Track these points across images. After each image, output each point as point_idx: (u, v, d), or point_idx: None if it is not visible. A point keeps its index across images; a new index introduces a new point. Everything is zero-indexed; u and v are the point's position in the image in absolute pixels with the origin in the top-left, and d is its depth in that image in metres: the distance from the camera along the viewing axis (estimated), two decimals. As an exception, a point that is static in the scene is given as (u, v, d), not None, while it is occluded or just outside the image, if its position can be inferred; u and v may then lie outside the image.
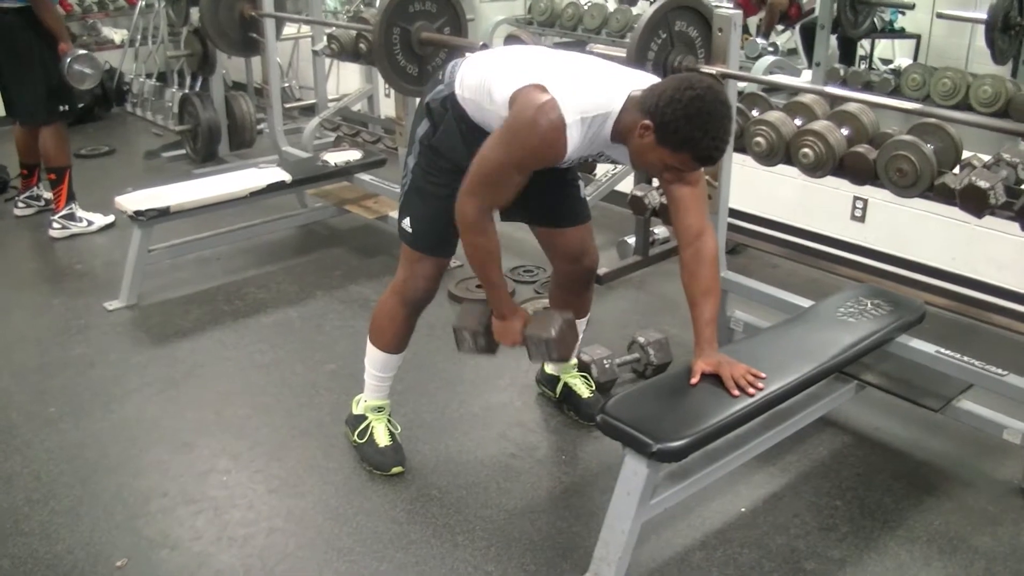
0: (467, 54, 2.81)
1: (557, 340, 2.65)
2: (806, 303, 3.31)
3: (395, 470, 3.04)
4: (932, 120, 3.01)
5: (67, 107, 5.19)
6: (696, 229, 2.60)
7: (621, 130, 2.44)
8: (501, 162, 2.48)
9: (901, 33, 6.73)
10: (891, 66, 5.82)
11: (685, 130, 2.27)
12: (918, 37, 6.61)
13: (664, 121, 2.28)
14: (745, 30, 5.86)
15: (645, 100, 2.35)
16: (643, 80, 2.49)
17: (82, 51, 5.16)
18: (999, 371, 2.92)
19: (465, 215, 2.56)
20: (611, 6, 6.21)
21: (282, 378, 3.67)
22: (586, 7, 6.15)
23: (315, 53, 6.25)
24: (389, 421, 3.13)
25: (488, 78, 2.59)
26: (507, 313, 2.72)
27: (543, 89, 2.41)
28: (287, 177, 4.73)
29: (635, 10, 6.04)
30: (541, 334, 2.66)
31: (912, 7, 5.93)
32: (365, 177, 5.03)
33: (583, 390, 3.34)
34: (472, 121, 2.67)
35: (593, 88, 2.47)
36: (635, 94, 2.41)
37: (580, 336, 3.30)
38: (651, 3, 3.50)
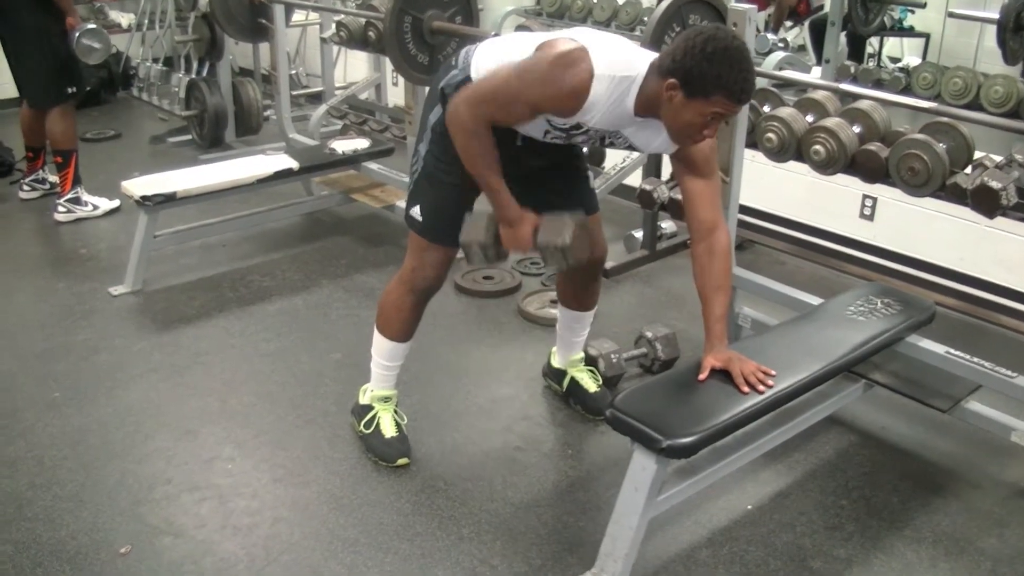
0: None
1: (573, 245, 2.57)
2: (815, 300, 3.30)
3: (401, 461, 3.03)
4: (945, 119, 3.00)
5: (75, 89, 5.18)
6: (709, 223, 2.59)
7: (645, 99, 2.40)
8: (515, 91, 2.43)
9: (910, 31, 6.71)
10: (899, 64, 5.80)
11: (711, 72, 2.24)
12: (927, 36, 6.58)
13: (687, 71, 2.26)
14: (755, 25, 5.84)
15: (662, 64, 2.33)
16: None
17: (90, 25, 5.14)
18: (1008, 373, 2.90)
19: (460, 118, 2.50)
20: (621, -1, 6.19)
21: (287, 367, 3.66)
22: (595, 0, 6.12)
23: (323, 40, 6.24)
24: (395, 411, 3.12)
25: (506, 59, 2.55)
26: (514, 218, 2.62)
27: (573, 41, 2.39)
28: (294, 164, 4.71)
29: (646, 2, 6.01)
30: (555, 240, 2.57)
31: (923, 6, 5.90)
32: (372, 166, 5.01)
33: (590, 384, 3.33)
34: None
35: (621, 50, 2.44)
36: (654, 62, 2.39)
37: (587, 330, 3.30)
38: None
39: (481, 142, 2.52)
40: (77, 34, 4.96)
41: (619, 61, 2.38)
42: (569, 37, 2.42)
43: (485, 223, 2.68)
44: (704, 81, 2.25)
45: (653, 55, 2.44)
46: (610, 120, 2.47)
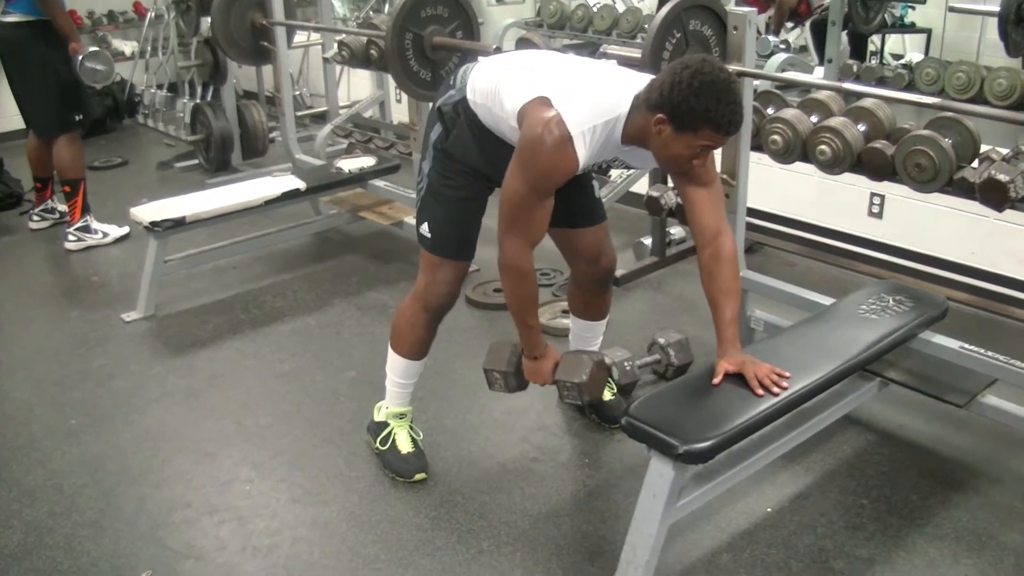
0: (479, 58, 2.81)
1: (589, 383, 2.71)
2: (826, 301, 3.29)
3: (418, 477, 3.03)
4: (949, 114, 3.00)
5: (82, 116, 5.21)
6: (713, 229, 2.59)
7: (632, 132, 2.44)
8: (522, 192, 2.49)
9: (912, 28, 6.72)
10: (902, 61, 5.80)
11: (698, 107, 2.25)
12: (929, 31, 6.59)
13: (675, 107, 2.28)
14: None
15: (648, 97, 2.35)
16: (645, 82, 2.47)
17: (93, 48, 5.17)
18: (1023, 365, 2.89)
19: (507, 257, 2.59)
20: (621, 7, 6.20)
21: (302, 386, 3.67)
22: (596, 9, 6.14)
23: (326, 60, 6.26)
24: (411, 427, 3.12)
25: (499, 85, 2.59)
26: (539, 354, 2.78)
27: (548, 104, 2.42)
28: (301, 185, 4.73)
29: (645, 9, 6.02)
30: (573, 379, 2.72)
31: (924, 1, 5.91)
32: (379, 183, 5.03)
33: (604, 393, 3.32)
34: (484, 125, 2.67)
35: (598, 95, 2.46)
36: (640, 94, 2.40)
37: (600, 339, 3.30)
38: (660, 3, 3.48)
39: (528, 282, 2.64)
40: (80, 58, 4.98)
41: (595, 111, 2.42)
42: (542, 99, 2.44)
43: (508, 354, 2.84)
44: (692, 116, 2.28)
45: (637, 83, 2.46)
46: (601, 154, 2.52)
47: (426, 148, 2.82)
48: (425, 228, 2.84)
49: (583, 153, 2.41)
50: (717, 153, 2.69)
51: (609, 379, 3.38)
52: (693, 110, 2.26)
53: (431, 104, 2.86)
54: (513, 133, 2.55)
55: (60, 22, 4.94)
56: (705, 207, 2.60)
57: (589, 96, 2.45)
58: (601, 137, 2.44)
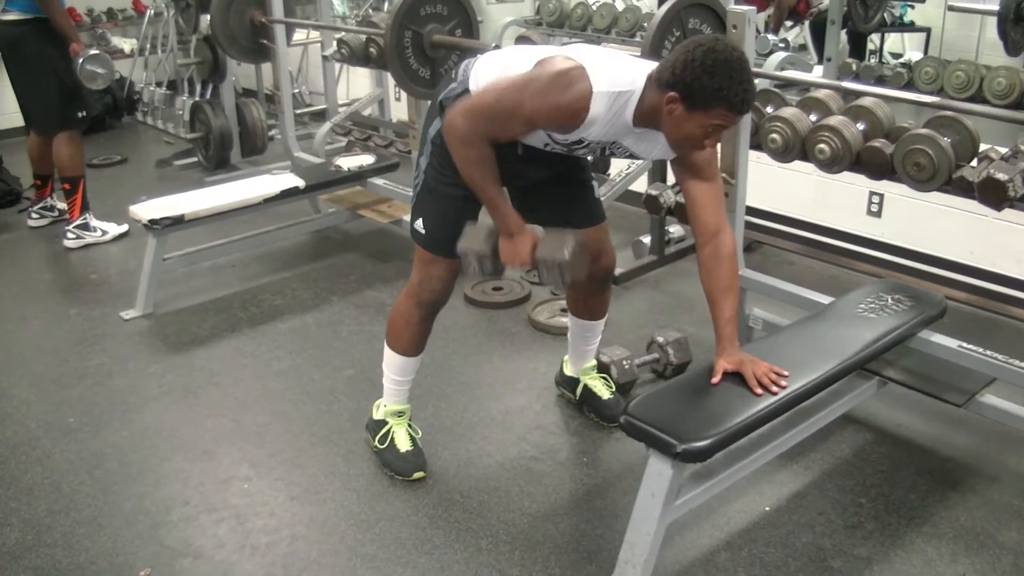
0: (480, 54, 2.80)
1: (571, 262, 2.51)
2: (825, 300, 3.29)
3: (416, 475, 3.03)
4: (948, 113, 3.00)
5: (84, 113, 5.21)
6: (713, 227, 2.59)
7: (644, 111, 2.40)
8: (513, 105, 2.43)
9: (911, 27, 6.72)
10: (901, 60, 5.80)
11: (711, 84, 2.24)
12: (928, 30, 6.59)
13: (687, 84, 2.26)
14: (755, 26, 5.85)
15: (661, 76, 2.33)
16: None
17: (93, 51, 5.16)
18: (1022, 364, 2.89)
19: (456, 129, 2.49)
20: (620, 5, 6.20)
21: (300, 384, 3.67)
22: (595, 7, 6.14)
23: (325, 58, 6.27)
24: (410, 426, 3.12)
25: (503, 74, 2.56)
26: (514, 230, 2.59)
27: (571, 59, 2.39)
28: (300, 183, 4.72)
29: (645, 8, 6.02)
30: (554, 256, 2.51)
31: (923, 0, 5.91)
32: (378, 181, 5.02)
33: (603, 391, 3.32)
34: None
35: (619, 66, 2.44)
36: (652, 74, 2.39)
37: (599, 338, 3.30)
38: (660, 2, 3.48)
39: (479, 153, 2.51)
40: (81, 60, 4.98)
41: (617, 77, 2.39)
42: (566, 55, 2.42)
43: (485, 234, 2.64)
44: (705, 94, 2.26)
45: (651, 66, 2.44)
46: (609, 133, 2.48)
47: (424, 143, 2.80)
48: (420, 224, 2.83)
49: (596, 114, 2.37)
50: (718, 151, 2.69)
51: (607, 377, 3.38)
52: (706, 88, 2.24)
53: (432, 99, 2.85)
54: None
55: (59, 22, 4.94)
56: (706, 203, 2.59)
57: (610, 64, 2.42)
58: (615, 108, 2.39)
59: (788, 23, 6.78)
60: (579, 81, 2.34)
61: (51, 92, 5.04)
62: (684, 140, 2.39)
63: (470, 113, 2.48)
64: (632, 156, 2.66)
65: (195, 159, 6.76)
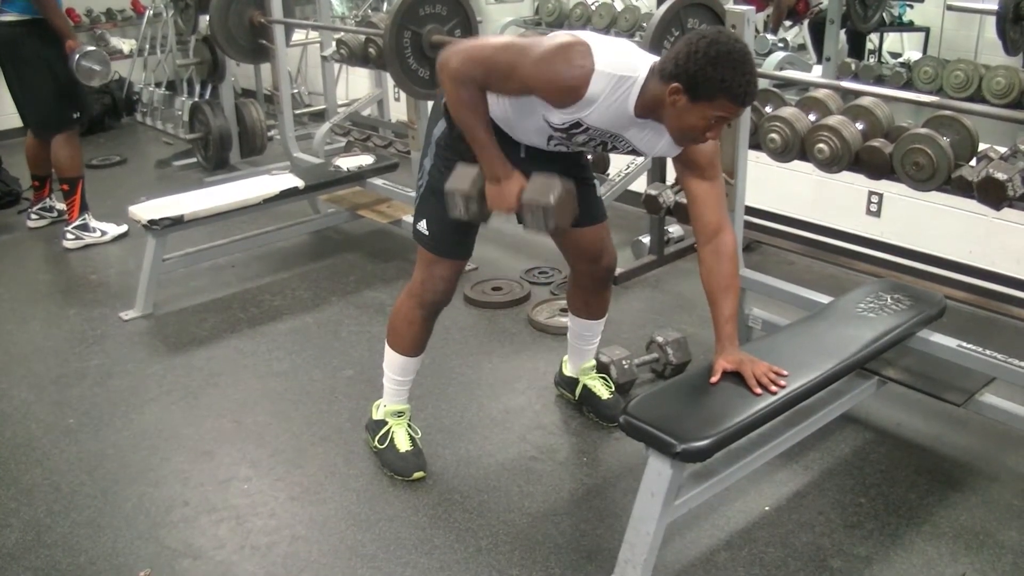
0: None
1: (557, 207, 2.48)
2: (824, 299, 3.29)
3: (416, 475, 3.03)
4: (947, 112, 3.00)
5: (79, 113, 5.20)
6: (714, 225, 2.59)
7: (646, 101, 2.39)
8: (512, 63, 2.40)
9: (910, 26, 6.71)
10: (900, 59, 5.80)
11: (714, 75, 2.23)
12: (927, 30, 6.59)
13: (691, 75, 2.25)
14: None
15: (664, 68, 2.33)
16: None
17: (90, 47, 5.14)
18: (1021, 364, 2.89)
19: (450, 66, 2.46)
20: (619, 5, 6.20)
21: (300, 385, 3.67)
22: (594, 7, 6.14)
23: (324, 59, 6.27)
24: (409, 426, 3.12)
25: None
26: (501, 175, 2.55)
27: (578, 38, 2.38)
28: (300, 183, 4.72)
29: (644, 8, 6.02)
30: (539, 199, 2.49)
31: (922, 0, 5.91)
32: (378, 181, 5.03)
33: (602, 391, 3.33)
34: (491, 119, 2.65)
35: (623, 52, 2.43)
36: (655, 65, 2.39)
37: (599, 338, 3.30)
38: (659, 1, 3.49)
39: (471, 95, 2.48)
40: (77, 56, 4.95)
41: (620, 61, 2.38)
42: (573, 34, 2.42)
43: (474, 175, 2.59)
44: (708, 85, 2.25)
45: (654, 58, 2.44)
46: (610, 120, 2.46)
47: (428, 144, 2.80)
48: (423, 225, 2.83)
49: (595, 94, 2.36)
50: (719, 150, 2.68)
51: (607, 377, 3.38)
52: (709, 79, 2.24)
53: (435, 99, 2.84)
54: (521, 119, 2.55)
55: (55, 21, 4.93)
56: (708, 202, 2.59)
57: (613, 50, 2.41)
58: (617, 93, 2.38)
59: (787, 23, 6.77)
60: (582, 56, 2.33)
61: (47, 93, 5.04)
62: (686, 131, 2.38)
63: (467, 57, 2.45)
64: (634, 152, 2.65)
65: (194, 159, 6.76)
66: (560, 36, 2.40)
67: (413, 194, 2.95)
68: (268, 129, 6.67)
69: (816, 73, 5.42)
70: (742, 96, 2.28)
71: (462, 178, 2.61)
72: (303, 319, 4.26)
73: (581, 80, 2.34)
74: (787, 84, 4.28)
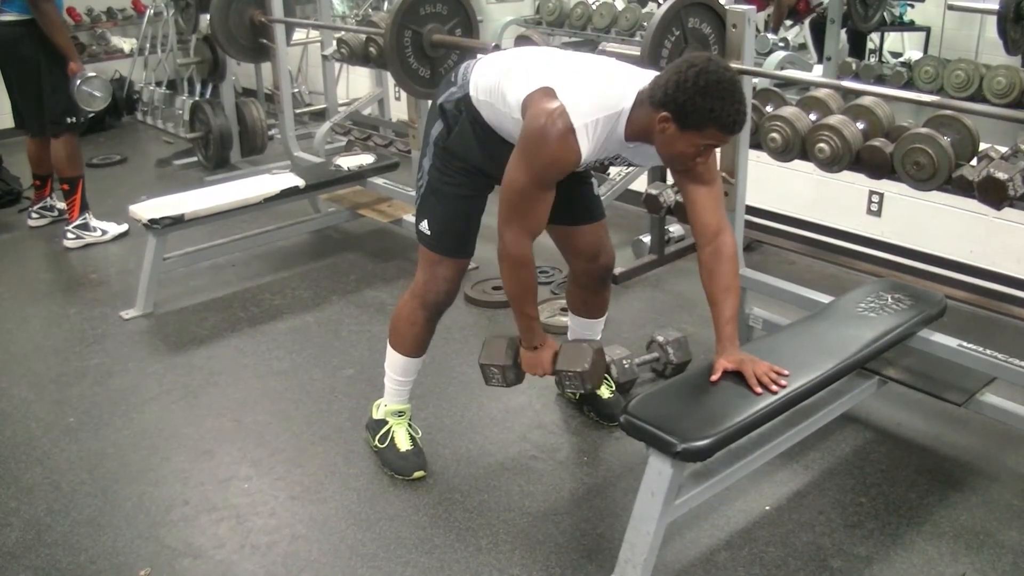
0: (479, 56, 2.81)
1: (591, 371, 2.69)
2: (825, 299, 3.29)
3: (417, 474, 3.03)
4: (948, 112, 2.99)
5: (74, 119, 5.19)
6: (714, 227, 2.59)
7: (635, 128, 2.44)
8: (524, 183, 2.48)
9: (911, 26, 6.71)
10: (901, 59, 5.80)
11: (704, 106, 2.25)
12: (928, 29, 6.59)
13: (680, 105, 2.27)
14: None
15: (653, 94, 2.35)
16: (649, 78, 2.47)
17: (91, 73, 5.13)
18: (1022, 364, 2.89)
19: (505, 246, 2.58)
20: (620, 5, 6.20)
21: (300, 384, 3.67)
22: (595, 6, 6.13)
23: (325, 58, 6.26)
24: (410, 425, 3.12)
25: (502, 80, 2.59)
26: (538, 344, 2.76)
27: (552, 95, 2.42)
28: (300, 182, 4.72)
29: (644, 8, 6.02)
30: (575, 368, 2.70)
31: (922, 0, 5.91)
32: (378, 181, 5.03)
33: (603, 391, 3.32)
34: (486, 123, 2.67)
35: (602, 89, 2.46)
36: (644, 91, 2.40)
37: (598, 337, 3.30)
38: (659, 3, 3.48)
39: (528, 271, 2.64)
40: (78, 82, 4.96)
41: (599, 103, 2.42)
42: (546, 90, 2.44)
43: (505, 347, 2.80)
44: (697, 115, 2.27)
45: (640, 77, 2.46)
46: (603, 150, 2.52)
47: (427, 145, 2.81)
48: (425, 225, 2.83)
49: (586, 146, 2.41)
50: (716, 151, 2.69)
51: (607, 376, 3.38)
52: (698, 109, 2.26)
53: (432, 101, 2.85)
54: (516, 127, 2.55)
55: (59, 41, 4.92)
56: (706, 205, 2.60)
57: (593, 89, 2.45)
58: (604, 131, 2.43)
59: (788, 22, 6.78)
60: (559, 127, 2.38)
61: (45, 95, 5.03)
62: (676, 157, 2.43)
63: (507, 221, 2.56)
64: (629, 164, 2.68)
65: (195, 159, 6.76)
66: (536, 108, 2.44)
67: (413, 193, 2.95)
68: (269, 128, 6.66)
69: (817, 72, 5.42)
70: (731, 125, 2.31)
71: (495, 352, 2.83)
72: (303, 318, 4.26)
73: (571, 149, 2.41)
74: (788, 84, 4.29)
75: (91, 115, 5.52)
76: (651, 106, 2.35)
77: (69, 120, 5.15)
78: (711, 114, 2.26)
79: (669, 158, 2.45)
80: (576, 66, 2.59)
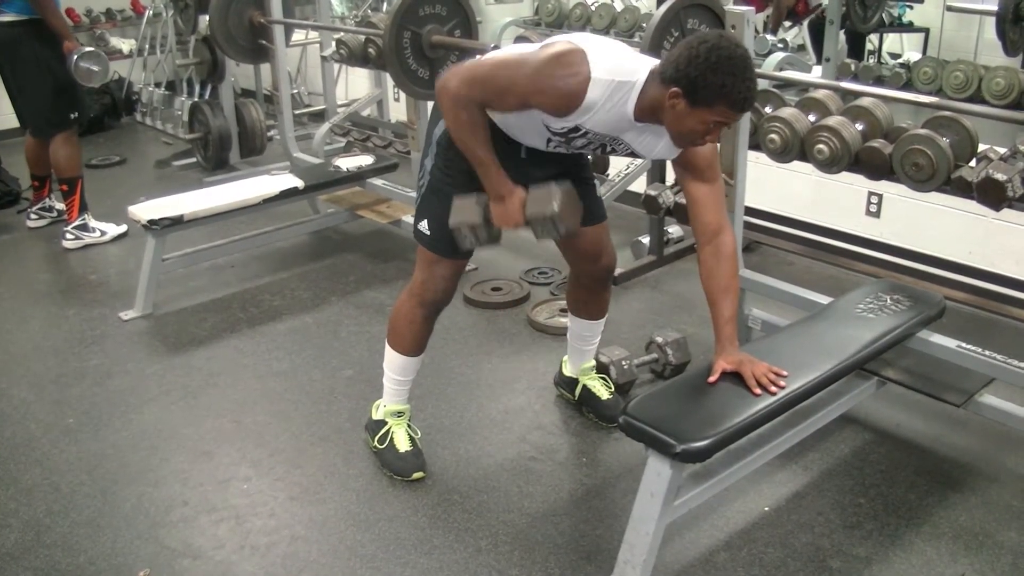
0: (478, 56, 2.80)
1: (562, 212, 2.54)
2: (824, 300, 3.29)
3: (416, 475, 3.03)
4: (947, 113, 3.00)
5: (77, 114, 5.19)
6: (714, 227, 2.59)
7: (646, 105, 2.39)
8: (509, 80, 2.43)
9: (909, 27, 6.71)
10: (900, 60, 5.80)
11: (714, 81, 2.23)
12: (927, 31, 6.59)
13: (690, 80, 2.25)
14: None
15: (664, 71, 2.32)
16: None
17: (87, 48, 5.12)
18: (1021, 365, 2.89)
19: (449, 88, 2.49)
20: (619, 6, 6.20)
21: (300, 385, 3.67)
22: (594, 7, 6.14)
23: (324, 59, 6.27)
24: (409, 426, 3.12)
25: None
26: (504, 192, 2.58)
27: (573, 44, 2.38)
28: (299, 183, 4.72)
29: (644, 8, 6.02)
30: (543, 210, 2.55)
31: (921, 1, 5.91)
32: (377, 182, 5.03)
33: (602, 392, 3.33)
34: (491, 119, 2.65)
35: (621, 56, 2.44)
36: (655, 68, 2.39)
37: (598, 338, 3.30)
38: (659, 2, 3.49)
39: (470, 116, 2.51)
40: (75, 57, 4.94)
41: (618, 67, 2.38)
42: (569, 39, 2.42)
43: (473, 204, 2.64)
44: (708, 91, 2.25)
45: (654, 61, 2.44)
46: (609, 124, 2.46)
47: (429, 144, 2.80)
48: (424, 225, 2.83)
49: (593, 101, 2.36)
50: (718, 152, 2.69)
51: (606, 377, 3.38)
52: (709, 85, 2.24)
53: (435, 101, 2.84)
54: (521, 122, 2.55)
55: (53, 21, 4.92)
56: (708, 203, 2.59)
57: (613, 55, 2.41)
58: (615, 98, 2.38)
59: (787, 23, 6.77)
60: (578, 65, 2.34)
61: (45, 94, 5.04)
62: (685, 135, 2.39)
63: (466, 78, 2.48)
64: (633, 154, 2.65)
65: (194, 159, 6.75)
66: (556, 44, 2.40)
67: (413, 194, 2.94)
68: (268, 129, 6.67)
69: (816, 74, 5.41)
70: (742, 102, 2.29)
71: (463, 210, 2.65)
72: (303, 319, 4.26)
73: (578, 88, 2.34)
74: (787, 85, 4.28)
75: (92, 115, 5.52)
76: (662, 83, 2.33)
77: (72, 115, 5.15)
78: (722, 90, 2.24)
79: (678, 136, 2.41)
80: (592, 36, 2.57)
